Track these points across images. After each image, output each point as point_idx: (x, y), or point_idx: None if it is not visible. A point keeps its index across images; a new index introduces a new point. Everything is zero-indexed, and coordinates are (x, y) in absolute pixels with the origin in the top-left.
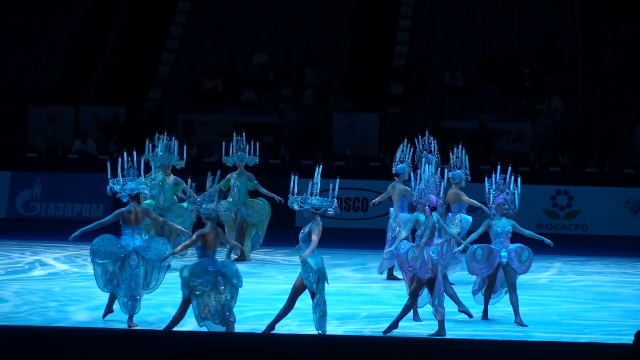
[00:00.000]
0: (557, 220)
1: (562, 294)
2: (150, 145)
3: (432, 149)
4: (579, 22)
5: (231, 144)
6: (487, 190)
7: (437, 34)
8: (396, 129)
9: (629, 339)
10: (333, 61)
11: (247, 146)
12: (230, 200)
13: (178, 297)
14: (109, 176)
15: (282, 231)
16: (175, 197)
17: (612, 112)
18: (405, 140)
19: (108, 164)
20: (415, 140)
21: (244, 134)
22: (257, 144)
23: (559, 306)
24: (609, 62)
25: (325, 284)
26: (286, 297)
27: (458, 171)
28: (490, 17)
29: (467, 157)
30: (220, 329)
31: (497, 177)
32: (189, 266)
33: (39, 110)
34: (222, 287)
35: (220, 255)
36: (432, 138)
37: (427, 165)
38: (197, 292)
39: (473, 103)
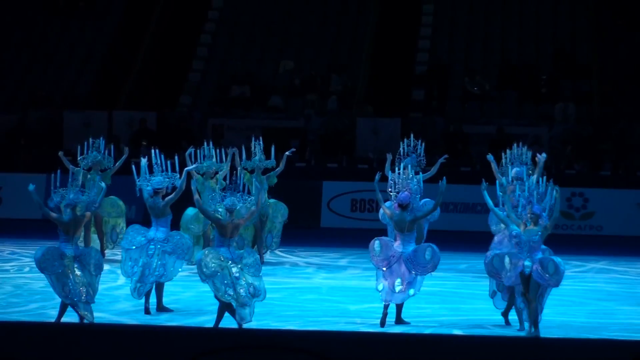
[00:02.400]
0: (572, 221)
1: (576, 293)
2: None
3: (417, 152)
4: (594, 31)
5: (258, 147)
6: (517, 194)
7: (457, 42)
8: (418, 133)
9: None
10: (357, 68)
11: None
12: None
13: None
14: (136, 177)
15: (309, 232)
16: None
17: (626, 117)
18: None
19: (132, 166)
20: (401, 142)
21: (260, 138)
22: (273, 147)
23: (572, 304)
24: (623, 69)
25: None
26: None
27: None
28: (508, 26)
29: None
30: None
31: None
32: (42, 248)
33: (74, 115)
34: (79, 272)
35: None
36: (418, 142)
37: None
38: (47, 273)
39: (492, 108)
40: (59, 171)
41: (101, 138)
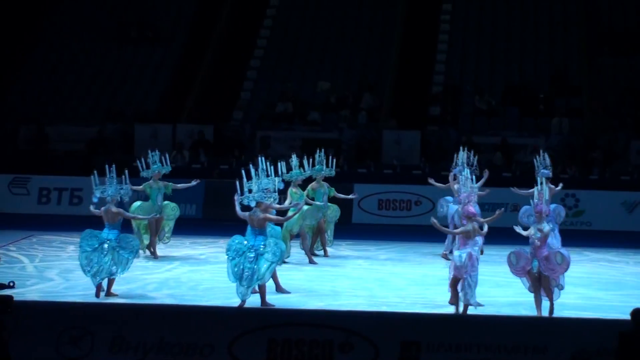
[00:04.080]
0: (565, 218)
1: (566, 280)
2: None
3: (472, 163)
4: (585, 56)
5: (319, 158)
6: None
7: (468, 65)
8: (434, 143)
9: (627, 316)
10: (383, 88)
11: (325, 160)
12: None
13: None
14: (245, 181)
15: (342, 227)
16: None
17: (612, 130)
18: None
19: (242, 170)
20: (455, 155)
21: (323, 150)
22: (333, 159)
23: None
24: (610, 88)
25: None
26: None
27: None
28: (511, 51)
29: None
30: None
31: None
32: (85, 231)
33: (144, 128)
34: (105, 252)
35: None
36: (469, 152)
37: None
38: (81, 251)
39: (497, 122)
40: (108, 170)
41: (156, 150)
